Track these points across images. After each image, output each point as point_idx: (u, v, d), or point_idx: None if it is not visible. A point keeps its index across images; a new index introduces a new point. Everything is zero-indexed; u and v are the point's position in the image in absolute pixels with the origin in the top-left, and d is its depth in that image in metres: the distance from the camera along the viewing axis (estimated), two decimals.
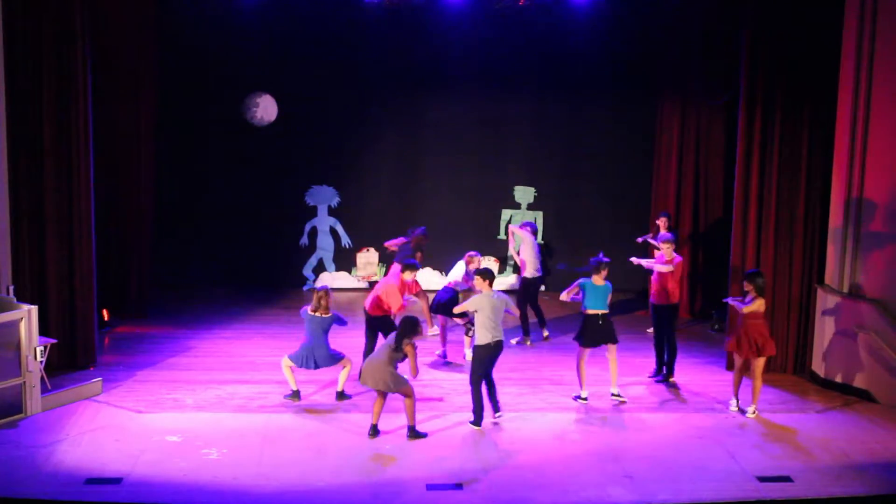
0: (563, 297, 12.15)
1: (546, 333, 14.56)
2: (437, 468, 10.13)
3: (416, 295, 13.79)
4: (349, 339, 12.89)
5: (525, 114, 17.13)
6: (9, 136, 11.96)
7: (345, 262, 17.36)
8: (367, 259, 17.31)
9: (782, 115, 12.83)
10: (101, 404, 11.59)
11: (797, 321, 13.20)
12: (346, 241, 17.36)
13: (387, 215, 17.14)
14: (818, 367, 12.94)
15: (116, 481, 9.64)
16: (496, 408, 11.40)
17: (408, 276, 12.71)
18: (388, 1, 15.16)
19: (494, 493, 9.64)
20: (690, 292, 15.96)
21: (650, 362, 13.20)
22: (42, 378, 11.45)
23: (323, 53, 16.48)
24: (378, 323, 12.47)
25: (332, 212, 17.31)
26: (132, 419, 11.22)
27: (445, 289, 13.69)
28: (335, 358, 11.79)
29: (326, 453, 10.42)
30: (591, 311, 11.88)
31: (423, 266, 14.17)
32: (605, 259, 12.02)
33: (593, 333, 11.87)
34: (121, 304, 14.95)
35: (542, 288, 14.85)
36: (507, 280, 17.05)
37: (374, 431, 10.85)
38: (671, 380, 12.81)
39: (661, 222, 14.68)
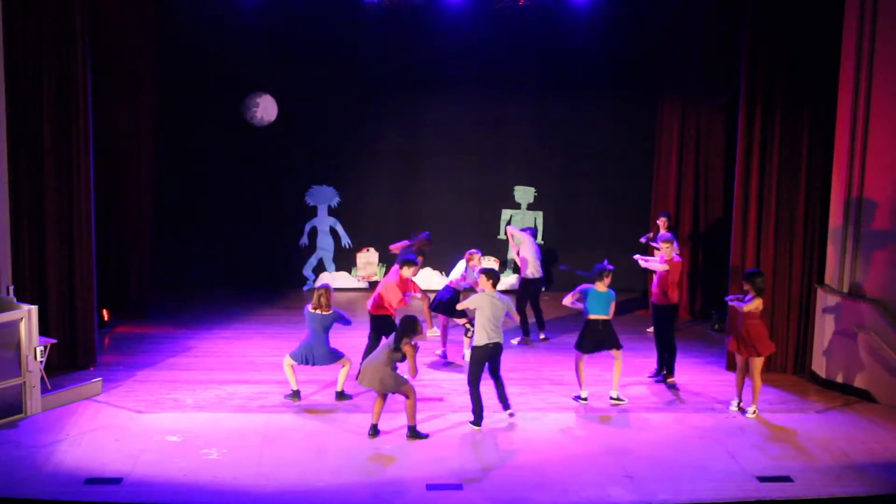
0: (566, 301, 12.15)
1: (543, 336, 14.54)
2: (437, 468, 10.13)
3: (417, 296, 13.78)
4: (350, 339, 12.89)
5: (525, 114, 17.14)
6: (9, 136, 11.96)
7: (345, 262, 17.37)
8: (367, 259, 17.31)
9: (782, 115, 12.83)
10: (101, 404, 11.59)
11: (797, 321, 13.20)
12: (346, 241, 17.36)
13: (387, 215, 17.15)
14: (818, 367, 12.94)
15: (116, 481, 9.64)
16: (506, 405, 11.40)
17: (406, 272, 12.71)
18: (388, 1, 15.16)
19: (494, 493, 9.64)
20: (690, 292, 15.97)
21: (650, 362, 13.21)
22: (42, 378, 11.45)
23: (323, 53, 16.49)
24: (379, 322, 12.47)
25: (332, 212, 17.32)
26: (132, 419, 11.22)
27: (446, 288, 13.69)
28: (334, 356, 11.79)
29: (326, 453, 10.42)
30: (592, 317, 11.88)
31: (422, 267, 14.14)
32: (609, 267, 12.01)
33: (593, 338, 11.87)
34: (121, 304, 14.95)
35: (543, 289, 14.80)
36: (507, 280, 17.04)
37: (374, 431, 10.85)
38: (671, 380, 12.80)
39: (661, 222, 14.68)
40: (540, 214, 17.47)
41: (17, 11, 11.90)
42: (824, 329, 12.82)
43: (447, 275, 14.92)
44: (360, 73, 16.68)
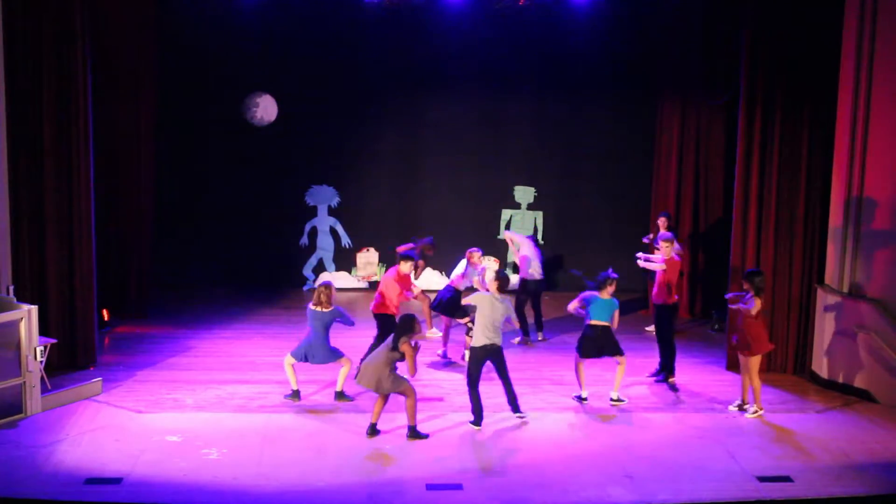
0: (570, 308, 12.17)
1: (541, 336, 14.52)
2: (437, 468, 10.13)
3: (417, 297, 13.78)
4: (351, 340, 12.87)
5: (525, 114, 17.14)
6: (9, 136, 11.96)
7: (345, 261, 17.37)
8: (367, 259, 17.31)
9: (782, 115, 12.83)
10: (101, 404, 11.59)
11: (797, 321, 13.20)
12: (346, 241, 17.36)
13: (387, 215, 17.16)
14: (818, 367, 12.94)
15: (116, 481, 9.64)
16: (514, 408, 11.38)
17: (404, 267, 12.74)
18: (388, 1, 15.16)
19: (494, 493, 9.64)
20: (690, 292, 15.97)
21: (650, 362, 13.20)
22: (42, 378, 11.45)
23: (323, 53, 16.49)
24: (383, 322, 12.49)
25: (332, 212, 17.32)
26: (132, 419, 11.22)
27: (447, 287, 13.70)
28: (334, 356, 11.77)
29: (326, 453, 10.42)
30: (592, 322, 11.89)
31: (424, 268, 14.13)
32: (613, 275, 12.00)
33: (592, 344, 11.87)
34: (121, 304, 14.95)
35: (543, 290, 14.73)
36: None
37: (373, 430, 10.84)
38: (671, 380, 12.80)
39: (661, 222, 14.68)
40: (540, 214, 17.47)
41: (17, 11, 11.90)
42: (824, 329, 12.82)
43: (448, 275, 14.92)
44: (360, 73, 16.68)
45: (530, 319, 14.53)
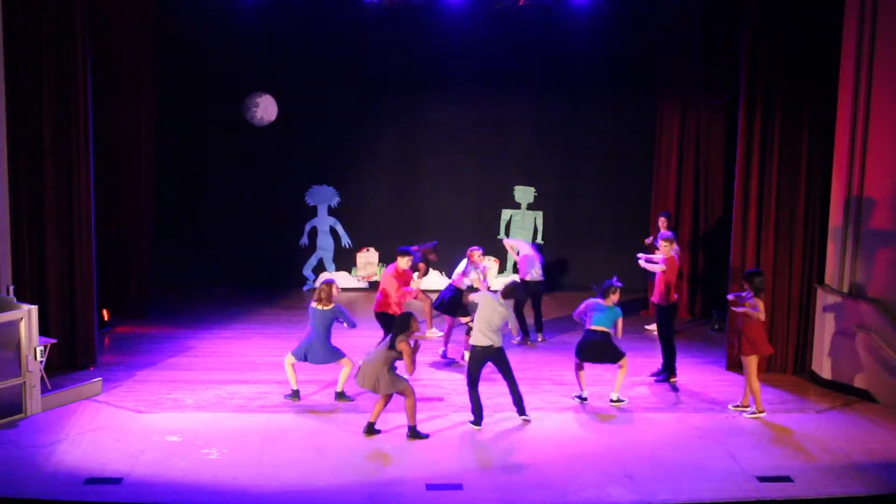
0: (576, 315, 12.18)
1: (541, 337, 14.51)
2: (437, 468, 10.12)
3: (418, 297, 13.79)
4: (352, 340, 12.86)
5: (525, 114, 17.15)
6: (9, 136, 11.96)
7: (345, 261, 17.37)
8: (367, 259, 17.32)
9: (782, 115, 12.83)
10: (101, 404, 11.59)
11: (797, 321, 13.20)
12: (346, 241, 17.36)
13: (387, 215, 17.16)
14: (818, 367, 12.94)
15: (116, 481, 9.64)
16: (519, 410, 11.37)
17: (402, 263, 12.76)
18: (388, 1, 15.16)
19: (494, 494, 9.64)
20: (690, 292, 15.97)
21: (650, 362, 13.20)
22: (42, 378, 11.45)
23: (323, 53, 16.49)
24: (384, 322, 12.51)
25: (332, 212, 17.32)
26: (132, 419, 11.22)
27: (449, 287, 13.71)
28: (334, 355, 11.75)
29: (326, 453, 10.42)
30: (591, 327, 11.89)
31: (425, 272, 14.14)
32: (618, 284, 11.99)
33: (590, 349, 11.87)
34: (121, 304, 14.95)
35: (543, 290, 14.70)
36: (506, 280, 17.03)
37: (370, 430, 10.83)
38: (672, 380, 12.80)
39: (662, 222, 14.68)
40: (540, 214, 17.47)
41: (17, 11, 11.89)
42: (824, 329, 12.81)
43: (448, 275, 14.91)
44: (360, 73, 16.68)
45: (530, 320, 14.53)
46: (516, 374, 11.43)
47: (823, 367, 12.84)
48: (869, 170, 12.35)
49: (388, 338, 10.86)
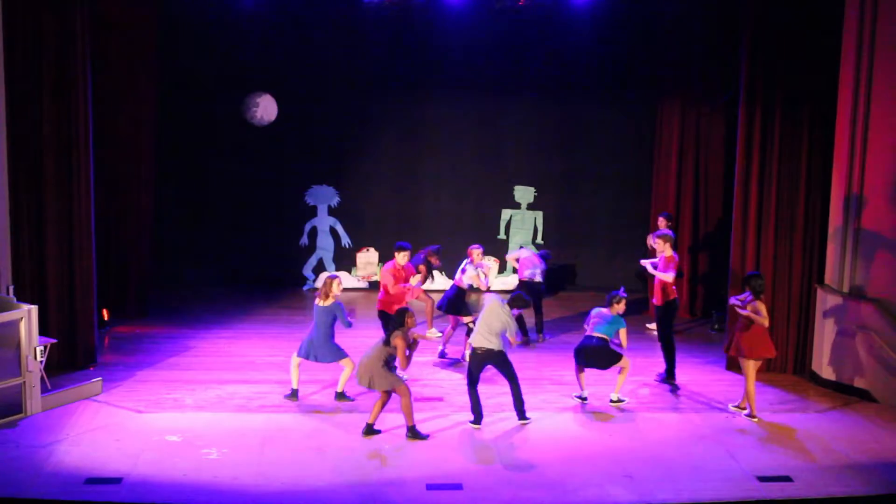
0: (585, 325, 12.17)
1: (541, 338, 14.50)
2: (437, 468, 10.13)
3: (419, 297, 13.80)
4: (353, 340, 12.83)
5: (525, 114, 17.14)
6: (9, 136, 11.96)
7: (345, 261, 17.37)
8: (367, 259, 17.31)
9: (782, 115, 12.84)
10: (101, 404, 11.59)
11: (797, 321, 13.20)
12: (346, 240, 17.36)
13: (387, 215, 17.16)
14: (818, 367, 12.94)
15: (116, 481, 9.64)
16: (519, 414, 11.36)
17: (400, 258, 12.77)
18: (389, 1, 15.16)
19: (494, 493, 9.64)
20: (690, 292, 15.97)
21: (651, 363, 13.20)
22: (42, 378, 11.45)
23: (323, 53, 16.49)
24: (383, 319, 12.52)
25: (332, 212, 17.32)
26: (132, 419, 11.22)
27: (452, 287, 13.71)
28: (336, 354, 11.72)
29: (326, 453, 10.42)
30: (590, 333, 11.90)
31: (427, 275, 14.14)
32: (623, 294, 11.96)
33: (587, 354, 11.87)
34: (121, 304, 14.94)
35: (543, 290, 14.67)
36: (507, 280, 17.05)
37: (369, 430, 10.83)
38: (672, 380, 12.79)
39: (661, 222, 14.65)
40: (540, 214, 17.47)
41: (18, 11, 11.90)
42: (824, 329, 12.82)
43: (449, 276, 14.90)
44: (360, 73, 16.68)
45: (531, 320, 14.52)
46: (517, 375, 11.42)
47: (823, 367, 12.84)
48: (869, 170, 12.35)
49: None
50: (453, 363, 13.38)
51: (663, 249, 12.78)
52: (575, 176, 17.34)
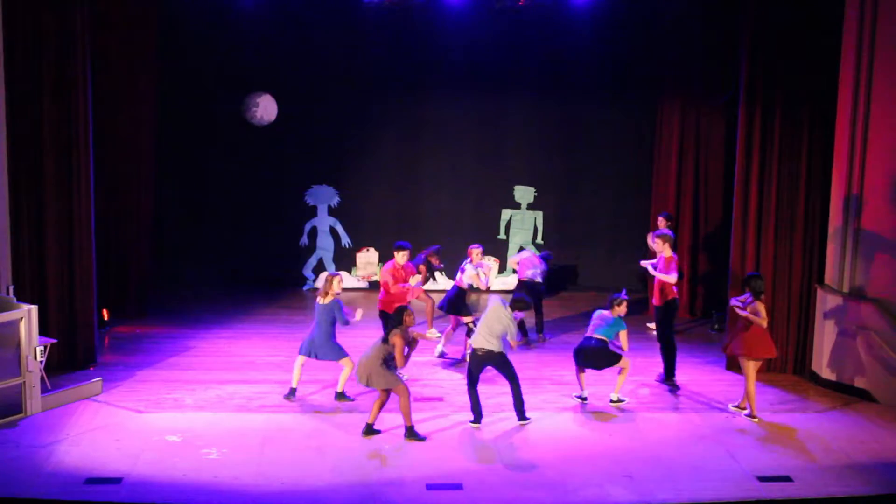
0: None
1: (541, 337, 14.49)
2: (437, 468, 10.13)
3: (420, 297, 13.81)
4: (353, 340, 12.84)
5: (525, 113, 17.14)
6: (9, 136, 11.96)
7: (345, 261, 17.37)
8: (367, 259, 17.31)
9: (782, 115, 12.83)
10: (101, 404, 11.59)
11: (797, 321, 13.20)
12: (346, 240, 17.36)
13: (387, 215, 17.16)
14: (818, 367, 12.94)
15: (116, 481, 9.64)
16: (518, 415, 11.34)
17: (398, 257, 12.78)
18: (389, 1, 15.16)
19: (494, 493, 9.64)
20: (690, 293, 15.96)
21: (651, 363, 13.19)
22: (42, 378, 11.45)
23: (323, 53, 16.50)
24: (383, 319, 12.53)
25: (332, 212, 17.32)
26: (132, 419, 11.22)
27: (453, 287, 13.72)
28: (336, 352, 11.71)
29: (326, 453, 10.42)
30: (589, 334, 11.91)
31: (427, 275, 14.15)
32: (624, 296, 11.95)
33: (585, 355, 11.88)
34: (121, 304, 14.94)
35: (543, 290, 14.66)
36: (507, 280, 17.05)
37: (369, 430, 10.84)
38: (672, 380, 12.78)
39: (661, 222, 14.65)
40: (540, 214, 17.47)
41: (18, 11, 11.89)
42: (824, 329, 12.81)
43: (450, 276, 14.90)
44: (360, 73, 16.67)
45: (531, 320, 14.51)
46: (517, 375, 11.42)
47: (823, 366, 12.84)
48: (869, 170, 12.35)
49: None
50: (454, 363, 13.38)
51: (662, 250, 12.78)
52: (575, 176, 17.35)
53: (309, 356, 11.74)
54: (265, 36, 16.32)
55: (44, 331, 11.78)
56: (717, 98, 15.16)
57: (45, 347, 11.55)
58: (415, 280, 12.92)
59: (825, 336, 12.80)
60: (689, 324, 15.64)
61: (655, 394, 12.52)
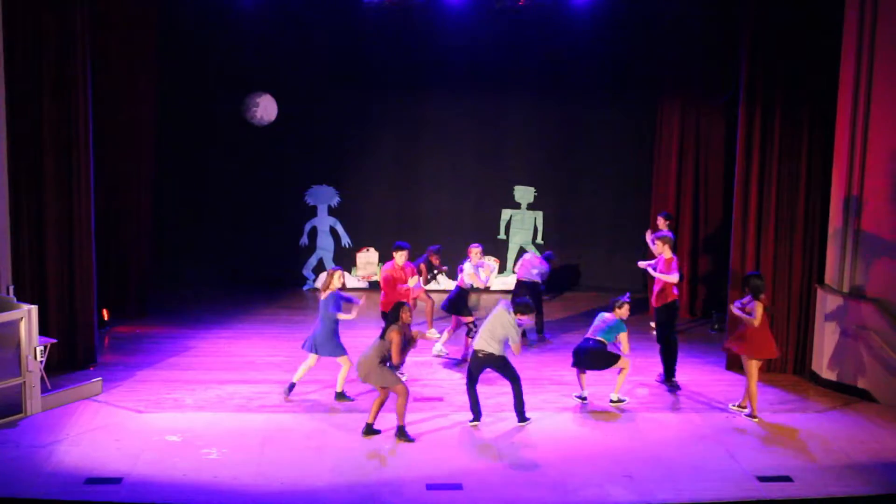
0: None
1: (541, 337, 14.50)
2: (437, 468, 10.13)
3: (420, 297, 13.80)
4: (354, 340, 12.82)
5: (525, 114, 17.14)
6: (9, 136, 11.96)
7: (345, 261, 17.36)
8: (367, 259, 17.31)
9: (782, 115, 12.84)
10: (101, 404, 11.59)
11: (797, 321, 13.21)
12: (346, 240, 17.36)
13: (387, 215, 17.16)
14: (818, 367, 12.94)
15: (116, 481, 9.64)
16: (519, 416, 11.33)
17: (399, 258, 12.80)
18: (389, 1, 15.16)
19: (494, 493, 9.64)
20: (690, 293, 15.96)
21: (651, 363, 13.19)
22: (42, 378, 11.45)
23: (323, 53, 16.50)
24: (385, 320, 12.54)
25: (332, 212, 17.32)
26: (132, 419, 11.22)
27: (455, 287, 13.71)
28: (334, 348, 11.68)
29: (326, 453, 10.42)
30: (589, 335, 11.91)
31: (428, 274, 14.14)
32: (625, 299, 11.95)
33: (584, 355, 11.89)
34: (121, 304, 14.94)
35: (543, 290, 14.67)
36: (507, 280, 17.05)
37: (369, 430, 10.84)
38: (673, 380, 12.79)
39: (661, 222, 14.64)
40: (540, 214, 17.47)
41: (18, 11, 11.90)
42: (824, 329, 12.81)
43: (452, 277, 14.89)
44: (360, 73, 16.67)
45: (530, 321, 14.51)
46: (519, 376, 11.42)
47: (823, 366, 12.84)
48: (869, 170, 12.35)
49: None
50: (457, 363, 13.37)
51: (662, 251, 12.78)
52: (575, 176, 17.34)
53: (311, 351, 11.75)
54: (265, 36, 16.32)
55: (44, 331, 11.78)
56: (717, 98, 15.16)
57: (45, 347, 11.55)
58: (413, 281, 12.92)
59: (825, 336, 12.80)
60: (689, 324, 15.64)
61: (655, 394, 12.52)
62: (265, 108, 16.69)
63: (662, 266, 12.73)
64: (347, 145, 17.01)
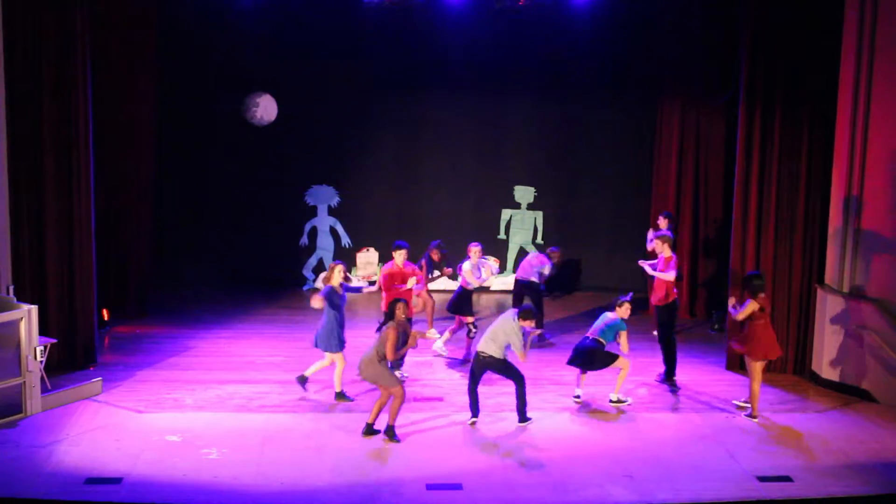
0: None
1: (540, 336, 14.49)
2: (437, 468, 10.13)
3: (420, 295, 13.80)
4: (352, 339, 12.81)
5: (525, 114, 17.13)
6: (9, 136, 11.96)
7: (345, 261, 17.27)
8: (367, 259, 17.31)
9: (782, 115, 12.84)
10: (101, 404, 11.59)
11: (797, 321, 13.20)
12: (346, 240, 17.36)
13: (387, 215, 17.15)
14: (818, 367, 12.94)
15: (116, 481, 9.64)
16: (520, 416, 11.33)
17: (398, 258, 12.81)
18: (389, 1, 15.16)
19: (494, 493, 9.64)
20: (690, 293, 15.96)
21: (651, 363, 13.19)
22: (42, 378, 11.45)
23: (323, 53, 16.49)
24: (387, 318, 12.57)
25: (332, 212, 17.32)
26: (132, 419, 11.22)
27: (458, 288, 13.71)
28: (328, 342, 11.68)
29: (326, 453, 10.42)
30: (589, 335, 11.92)
31: (429, 272, 14.14)
32: (626, 299, 11.95)
33: (578, 354, 11.89)
34: (121, 304, 14.94)
35: (542, 289, 14.66)
36: (506, 279, 17.04)
37: (369, 430, 10.84)
38: (673, 380, 12.79)
39: (662, 222, 14.63)
40: (540, 214, 17.46)
41: (18, 11, 11.90)
42: (824, 329, 12.81)
43: (453, 277, 14.90)
44: (360, 73, 16.67)
45: None
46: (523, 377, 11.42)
47: (823, 366, 12.84)
48: (869, 170, 12.35)
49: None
50: (461, 363, 13.37)
51: (662, 250, 12.78)
52: (575, 176, 17.34)
53: (315, 346, 11.78)
54: (265, 36, 16.31)
55: (44, 331, 11.77)
56: (717, 98, 15.16)
57: (45, 347, 11.55)
58: (411, 283, 12.91)
59: (825, 336, 12.79)
60: (689, 324, 15.63)
61: (655, 394, 12.52)
62: (265, 108, 16.69)
63: (662, 265, 12.74)
64: (347, 145, 17.01)
